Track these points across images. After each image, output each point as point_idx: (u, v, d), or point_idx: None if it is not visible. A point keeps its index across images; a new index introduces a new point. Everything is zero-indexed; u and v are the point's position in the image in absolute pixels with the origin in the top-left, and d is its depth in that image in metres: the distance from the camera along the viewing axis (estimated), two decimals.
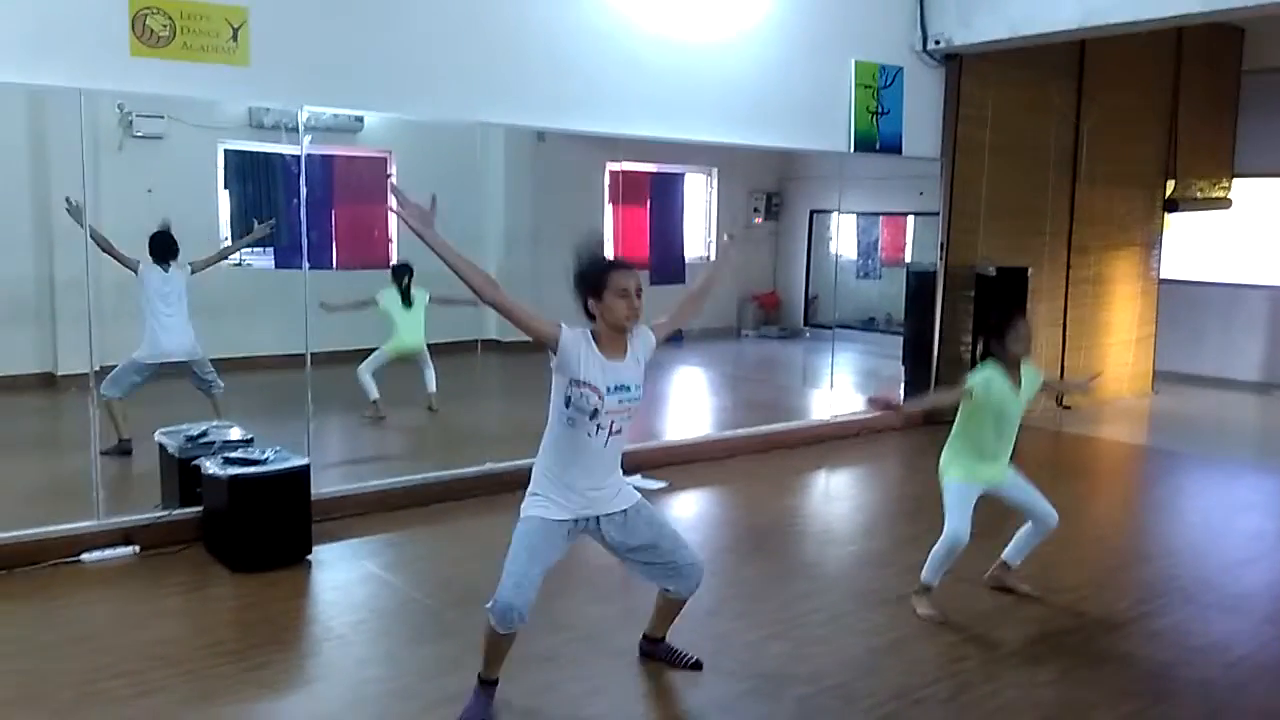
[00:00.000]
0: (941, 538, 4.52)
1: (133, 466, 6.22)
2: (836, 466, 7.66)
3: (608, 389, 3.44)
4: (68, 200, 5.33)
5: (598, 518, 3.60)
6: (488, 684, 3.64)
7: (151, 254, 6.47)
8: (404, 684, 3.88)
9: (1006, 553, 4.81)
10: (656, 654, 4.02)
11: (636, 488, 3.77)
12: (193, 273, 6.58)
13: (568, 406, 3.45)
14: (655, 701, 3.78)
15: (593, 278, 3.48)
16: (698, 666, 3.96)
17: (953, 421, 4.67)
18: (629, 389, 3.51)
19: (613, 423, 3.49)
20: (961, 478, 4.55)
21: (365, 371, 7.91)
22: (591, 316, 3.50)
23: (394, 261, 8.38)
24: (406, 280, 7.99)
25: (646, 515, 3.69)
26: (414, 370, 8.10)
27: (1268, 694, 3.97)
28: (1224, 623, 4.62)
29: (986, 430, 4.53)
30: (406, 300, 7.94)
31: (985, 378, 4.52)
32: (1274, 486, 7.37)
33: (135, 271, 6.33)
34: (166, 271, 6.48)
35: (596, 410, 3.43)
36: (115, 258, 6.04)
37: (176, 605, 4.66)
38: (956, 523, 4.47)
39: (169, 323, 6.48)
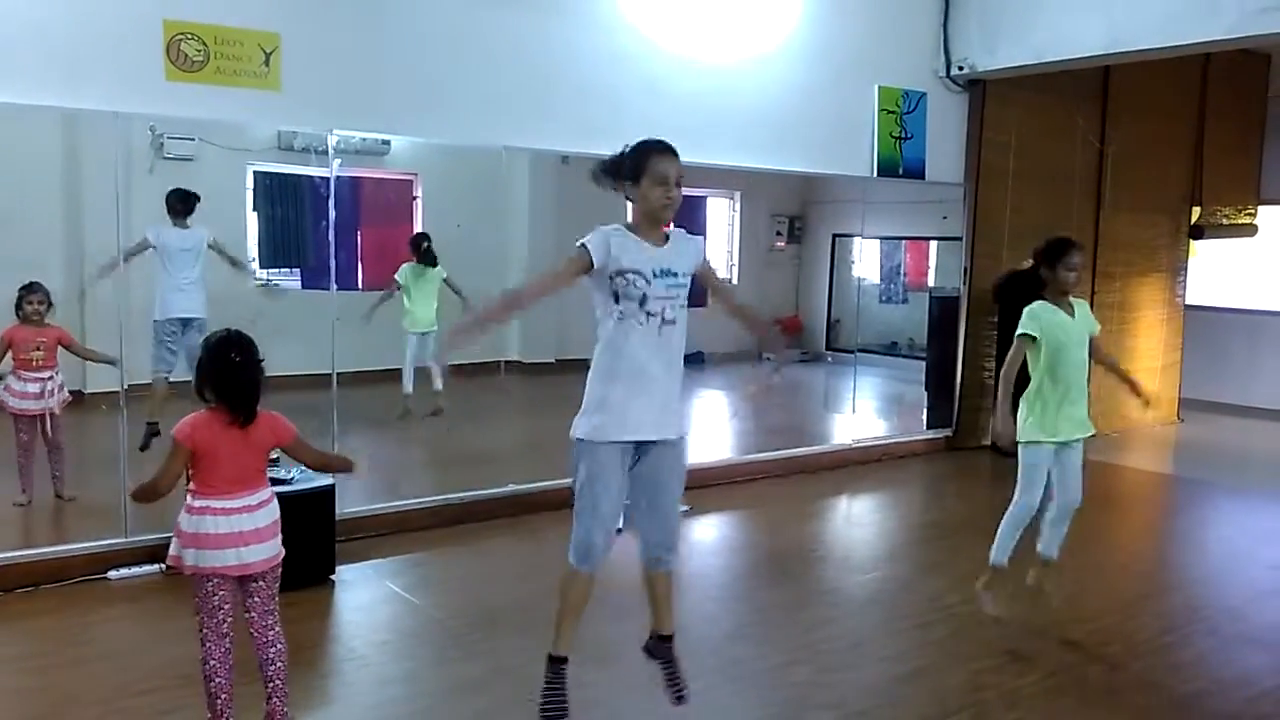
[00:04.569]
0: (1011, 507, 4.53)
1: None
2: (858, 491, 7.64)
3: (653, 273, 3.32)
4: None
5: (646, 441, 3.41)
6: (557, 662, 3.52)
7: (169, 210, 6.56)
8: (425, 705, 3.90)
9: (1041, 548, 4.73)
10: (657, 655, 3.72)
11: None
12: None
13: (616, 301, 3.31)
14: None
15: (631, 162, 3.36)
16: (680, 700, 3.65)
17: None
18: (675, 274, 3.37)
19: (664, 309, 3.34)
20: (1033, 436, 4.47)
21: (408, 365, 8.22)
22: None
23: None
24: (425, 244, 8.21)
25: (674, 458, 3.51)
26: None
27: None
28: (1248, 655, 4.58)
29: (1052, 370, 4.44)
30: (424, 260, 8.18)
31: (1032, 314, 4.43)
32: None
33: (153, 244, 6.47)
34: (185, 229, 6.58)
35: (645, 296, 3.30)
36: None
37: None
38: (1026, 494, 4.46)
39: (183, 284, 6.59)
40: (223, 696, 3.38)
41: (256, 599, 3.44)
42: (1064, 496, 4.62)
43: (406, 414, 8.25)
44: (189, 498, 3.35)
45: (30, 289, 5.79)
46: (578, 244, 3.34)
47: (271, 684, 3.48)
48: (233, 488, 3.34)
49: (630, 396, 3.37)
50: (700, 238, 3.58)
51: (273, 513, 3.45)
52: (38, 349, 5.76)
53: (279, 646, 3.48)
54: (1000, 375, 4.54)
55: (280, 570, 3.49)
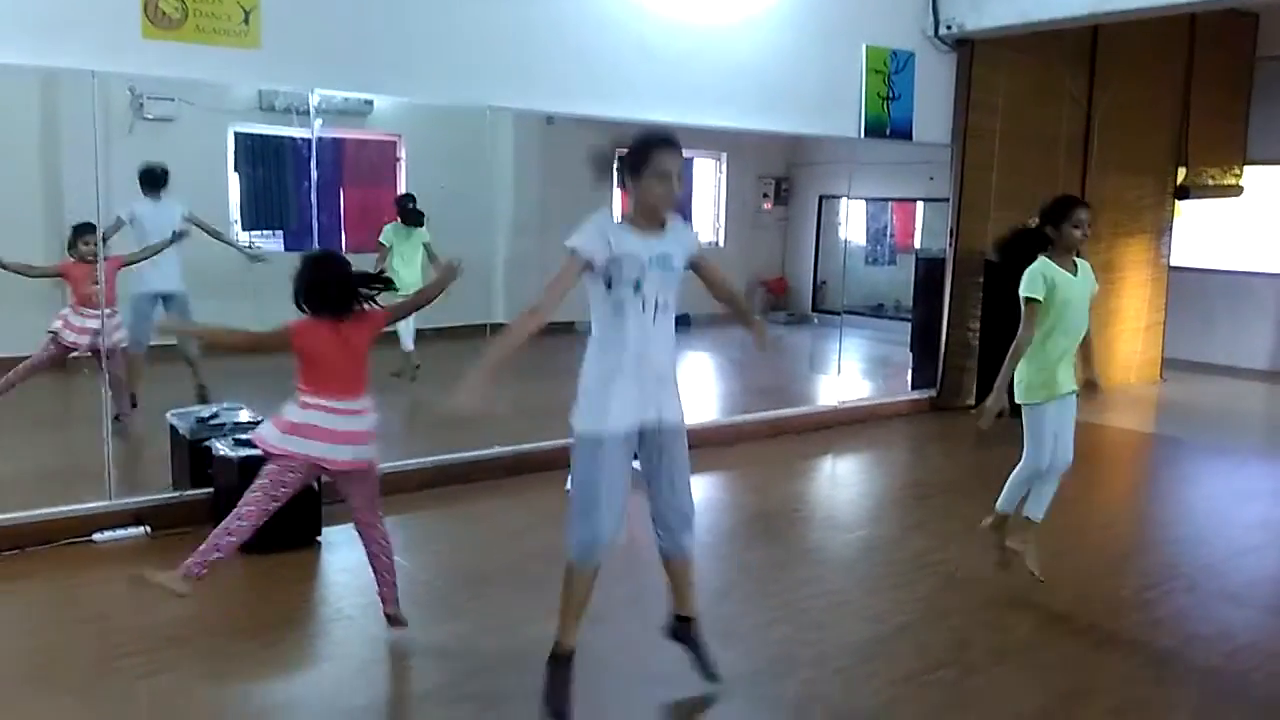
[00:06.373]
0: (1021, 464, 4.58)
1: (144, 447, 6.27)
2: (843, 452, 7.67)
3: (649, 259, 3.28)
4: None
5: (646, 428, 3.38)
6: (561, 660, 3.45)
7: (142, 186, 6.57)
8: (412, 664, 3.92)
9: (1027, 508, 4.68)
10: (683, 638, 3.73)
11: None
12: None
13: (610, 288, 3.27)
14: (662, 685, 3.80)
15: (633, 155, 3.31)
16: (713, 678, 3.69)
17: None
18: (671, 261, 3.34)
19: (658, 295, 3.31)
20: (1036, 397, 4.47)
21: (403, 324, 8.20)
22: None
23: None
24: (410, 205, 8.21)
25: (679, 442, 3.49)
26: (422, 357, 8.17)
27: (1268, 682, 3.98)
28: (1227, 611, 4.64)
29: (1054, 329, 4.40)
30: (408, 221, 8.16)
31: (1034, 275, 4.36)
32: None
33: (128, 222, 6.49)
34: (158, 202, 6.57)
35: (639, 281, 3.26)
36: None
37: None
38: (1036, 452, 4.51)
39: (159, 258, 6.59)
40: (245, 524, 3.69)
41: (356, 489, 3.88)
42: (1057, 455, 4.59)
43: (416, 370, 8.17)
44: (300, 394, 3.73)
45: (84, 229, 5.78)
46: (568, 244, 3.27)
47: (380, 575, 3.94)
48: (340, 391, 3.71)
49: (630, 383, 3.33)
50: (694, 231, 3.56)
51: (371, 421, 3.82)
52: (97, 283, 5.72)
53: (384, 543, 3.96)
54: (1012, 346, 4.42)
55: (377, 473, 3.94)
